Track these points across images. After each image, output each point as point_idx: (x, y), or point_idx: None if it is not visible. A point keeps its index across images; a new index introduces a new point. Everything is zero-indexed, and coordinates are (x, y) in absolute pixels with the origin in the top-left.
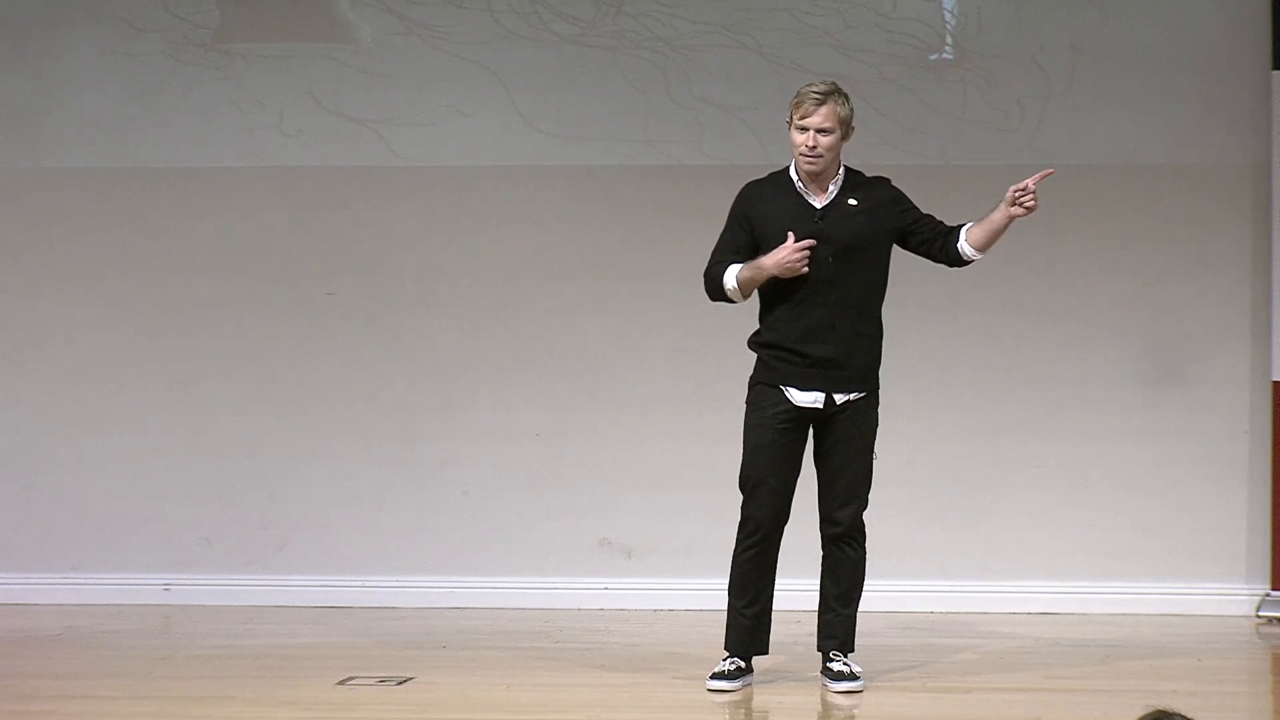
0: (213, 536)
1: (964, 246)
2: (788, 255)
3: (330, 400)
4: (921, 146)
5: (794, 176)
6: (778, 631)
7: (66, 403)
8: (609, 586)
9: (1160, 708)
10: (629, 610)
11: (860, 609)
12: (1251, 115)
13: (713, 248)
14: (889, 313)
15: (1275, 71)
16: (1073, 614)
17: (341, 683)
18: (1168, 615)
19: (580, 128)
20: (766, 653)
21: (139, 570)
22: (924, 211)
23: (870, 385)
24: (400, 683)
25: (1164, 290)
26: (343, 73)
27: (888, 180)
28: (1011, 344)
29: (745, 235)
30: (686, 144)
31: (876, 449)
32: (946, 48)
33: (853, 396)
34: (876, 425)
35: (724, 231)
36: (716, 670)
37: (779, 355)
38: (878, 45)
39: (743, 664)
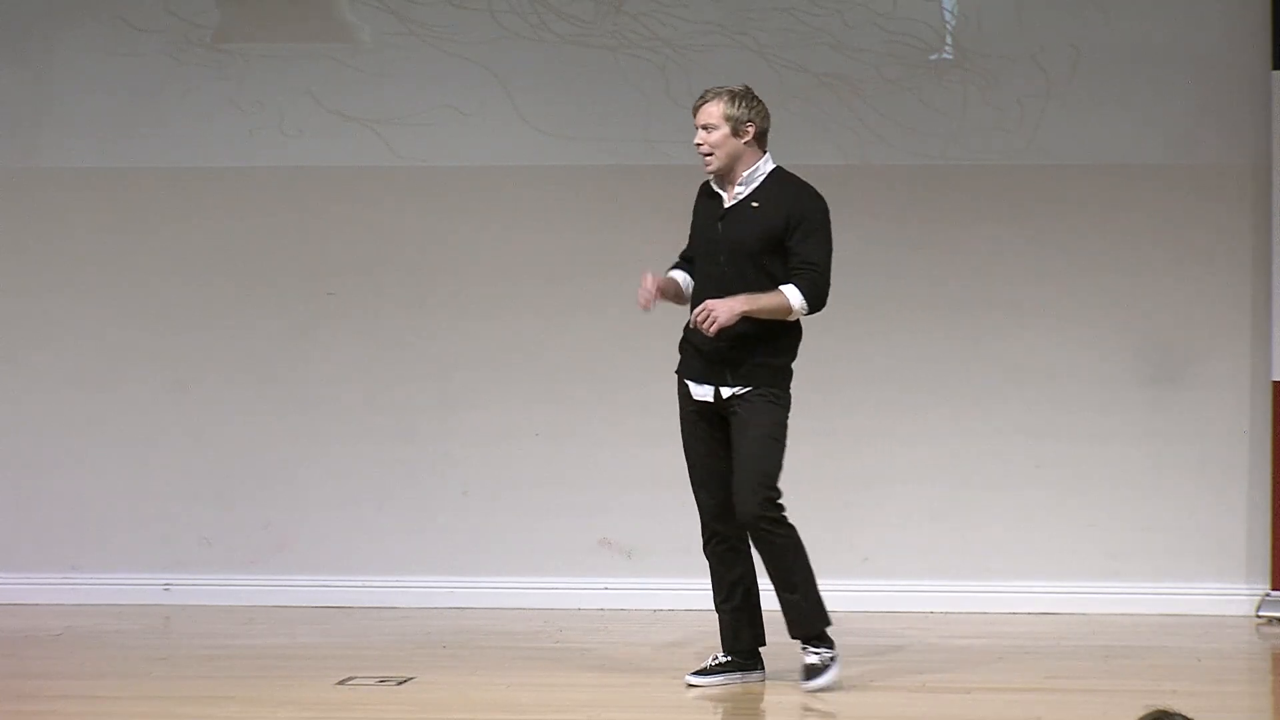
0: (213, 536)
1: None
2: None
3: (330, 400)
4: (921, 146)
5: (713, 179)
6: (778, 632)
7: (66, 403)
8: (609, 586)
9: (1160, 708)
10: (629, 610)
11: (811, 591)
12: (1251, 115)
13: None
14: (892, 311)
15: (1275, 71)
16: (1073, 614)
17: (341, 683)
18: (1168, 615)
19: (580, 128)
20: (764, 644)
21: (139, 570)
22: (804, 252)
23: (758, 382)
24: (400, 683)
25: (1164, 290)
26: (343, 73)
27: (810, 196)
28: (1011, 344)
29: (691, 230)
30: (686, 144)
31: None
32: (946, 48)
33: (739, 391)
34: (776, 423)
35: None
36: (700, 666)
37: (685, 349)
38: (878, 45)
39: (727, 659)
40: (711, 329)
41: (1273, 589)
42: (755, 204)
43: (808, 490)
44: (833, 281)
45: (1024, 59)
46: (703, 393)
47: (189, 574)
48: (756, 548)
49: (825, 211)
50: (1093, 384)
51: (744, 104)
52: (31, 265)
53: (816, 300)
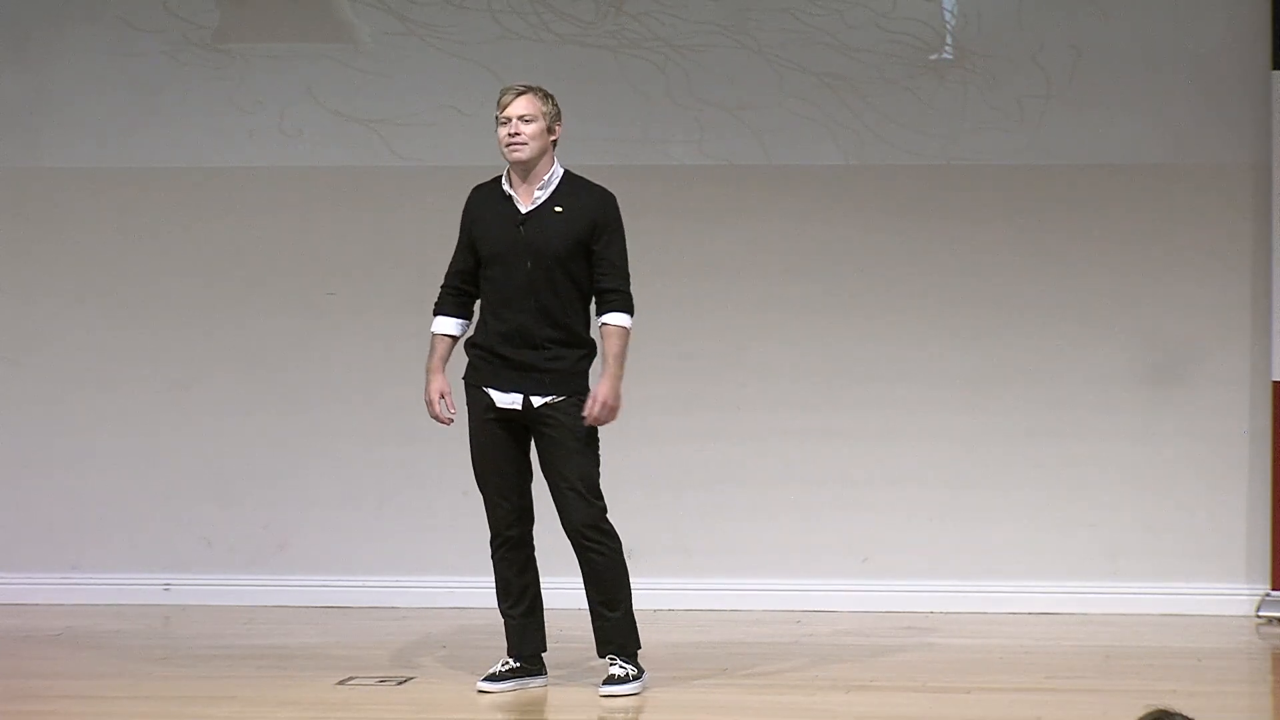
0: (213, 536)
1: (601, 320)
2: (433, 409)
3: (330, 400)
4: (921, 146)
5: (504, 182)
6: (777, 632)
7: (66, 403)
8: None
9: (1160, 708)
10: None
11: (629, 612)
12: (1251, 115)
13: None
14: (891, 311)
15: (1275, 71)
16: (1073, 614)
17: (341, 683)
18: (1168, 615)
19: (580, 128)
20: (546, 650)
21: (139, 570)
22: (612, 257)
23: (572, 388)
24: (400, 683)
25: (1164, 290)
26: (343, 73)
27: (610, 197)
28: (1011, 343)
29: (467, 237)
30: (686, 144)
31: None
32: (946, 48)
33: (551, 400)
34: (593, 429)
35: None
36: (489, 672)
37: (482, 357)
38: (878, 45)
39: (516, 665)
40: (614, 418)
41: (1273, 589)
42: (559, 208)
43: (808, 490)
44: (832, 280)
45: (1024, 59)
46: (509, 401)
47: (189, 574)
48: (580, 559)
49: (619, 210)
50: (1093, 384)
51: (553, 104)
52: (31, 265)
53: (631, 308)
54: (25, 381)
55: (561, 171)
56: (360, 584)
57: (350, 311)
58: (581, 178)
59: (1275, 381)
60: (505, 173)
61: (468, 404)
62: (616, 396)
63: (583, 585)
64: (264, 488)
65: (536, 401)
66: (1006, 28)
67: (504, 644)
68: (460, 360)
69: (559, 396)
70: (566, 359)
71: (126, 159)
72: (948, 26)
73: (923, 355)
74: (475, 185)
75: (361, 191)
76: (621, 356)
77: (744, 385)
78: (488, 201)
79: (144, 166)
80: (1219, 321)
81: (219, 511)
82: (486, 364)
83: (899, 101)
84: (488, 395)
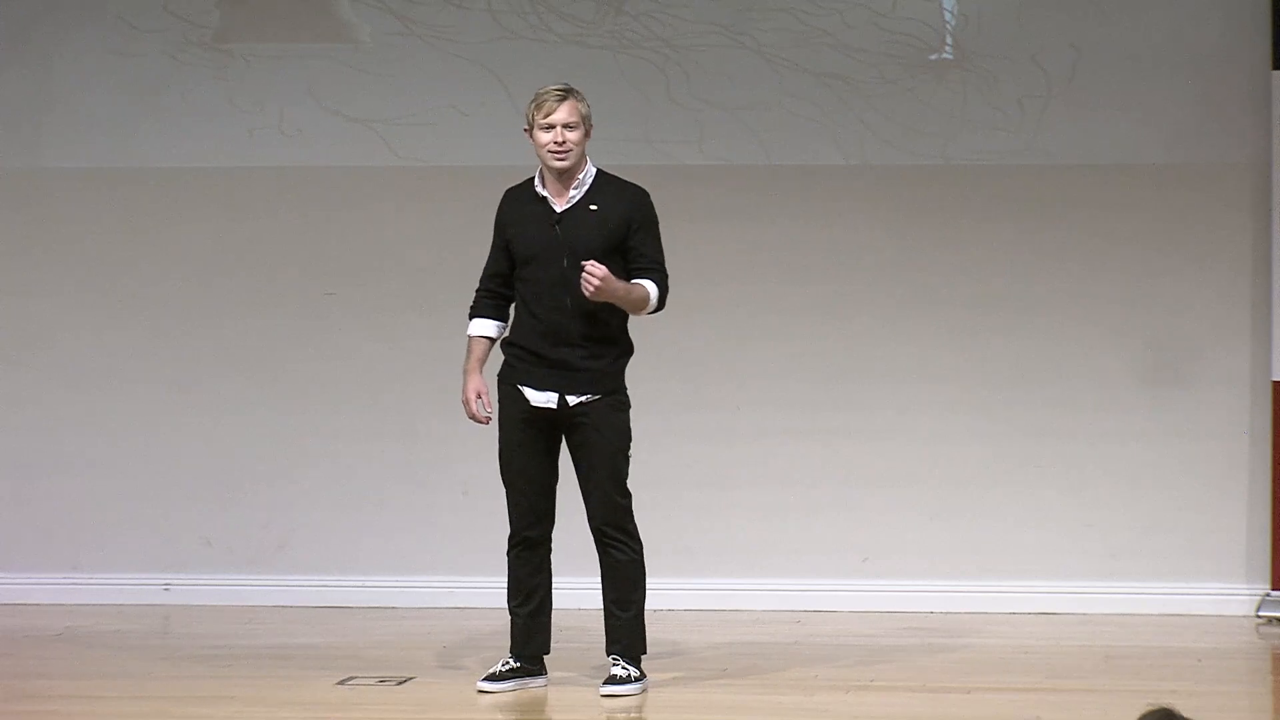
0: (213, 536)
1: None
2: (470, 408)
3: (330, 400)
4: (921, 146)
5: (537, 182)
6: (777, 632)
7: (66, 403)
8: None
9: (1160, 706)
10: None
11: (642, 615)
12: (1251, 115)
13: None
14: (891, 311)
15: (1275, 71)
16: (1073, 614)
17: (341, 683)
18: (1168, 615)
19: None
20: (548, 652)
21: (139, 570)
22: (651, 252)
23: (608, 388)
24: (400, 683)
25: (1164, 290)
26: (343, 73)
27: (644, 194)
28: (1011, 343)
29: (502, 240)
30: (686, 144)
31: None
32: (946, 48)
33: (587, 399)
34: (626, 429)
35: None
36: (489, 672)
37: (518, 355)
38: (878, 45)
39: (517, 664)
40: (592, 294)
41: (1273, 589)
42: (594, 206)
43: (808, 490)
44: (832, 280)
45: (1024, 59)
46: (545, 399)
47: (189, 574)
48: (601, 555)
49: (654, 207)
50: (1093, 384)
51: (587, 103)
52: (31, 265)
53: (665, 300)
54: (25, 381)
55: (595, 170)
56: (360, 584)
57: (350, 311)
58: (614, 176)
59: (1275, 381)
60: (538, 173)
61: (500, 401)
62: (610, 293)
63: (597, 584)
64: (264, 488)
65: (571, 400)
66: (1006, 28)
67: (505, 644)
68: (494, 362)
69: (594, 395)
70: (603, 358)
71: (126, 159)
72: (947, 26)
73: (922, 355)
74: (507, 188)
75: (361, 191)
76: (636, 295)
77: (744, 385)
78: (521, 203)
79: (144, 166)
80: (1219, 321)
81: (219, 511)
82: (522, 362)
83: (899, 101)
84: (522, 394)
